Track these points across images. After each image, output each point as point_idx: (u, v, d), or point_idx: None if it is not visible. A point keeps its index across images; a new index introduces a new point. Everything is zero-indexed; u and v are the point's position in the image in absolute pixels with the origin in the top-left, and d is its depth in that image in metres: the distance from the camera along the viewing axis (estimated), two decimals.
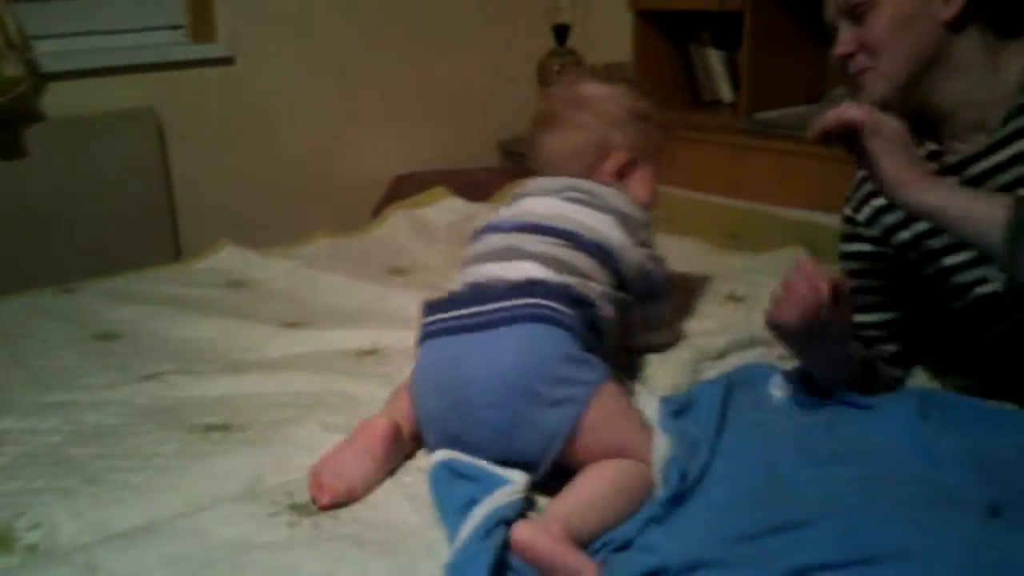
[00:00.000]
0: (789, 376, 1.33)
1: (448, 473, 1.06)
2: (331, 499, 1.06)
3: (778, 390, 1.31)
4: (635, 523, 1.04)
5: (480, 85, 3.12)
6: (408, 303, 1.70)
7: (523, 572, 0.94)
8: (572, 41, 3.00)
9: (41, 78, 2.36)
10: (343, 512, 1.04)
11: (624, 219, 1.35)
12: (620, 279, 1.32)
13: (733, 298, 1.66)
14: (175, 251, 2.61)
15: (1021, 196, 1.06)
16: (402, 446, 1.15)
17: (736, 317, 1.58)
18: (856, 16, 1.15)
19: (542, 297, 1.16)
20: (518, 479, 1.04)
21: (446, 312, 1.20)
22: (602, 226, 1.32)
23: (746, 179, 2.36)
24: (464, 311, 1.18)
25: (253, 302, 1.79)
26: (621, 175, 1.43)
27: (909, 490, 1.07)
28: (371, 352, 1.52)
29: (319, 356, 1.52)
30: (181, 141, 2.62)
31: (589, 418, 1.10)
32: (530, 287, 1.18)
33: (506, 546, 0.95)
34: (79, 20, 2.52)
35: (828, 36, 1.23)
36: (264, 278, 1.92)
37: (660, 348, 1.44)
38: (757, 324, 1.44)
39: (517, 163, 3.14)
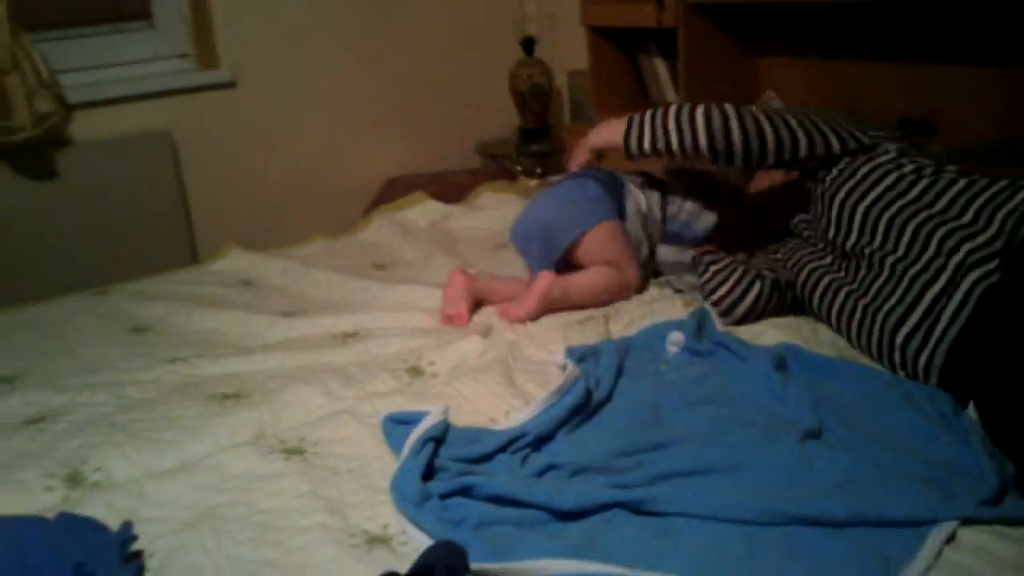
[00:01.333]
0: (684, 327, 1.65)
1: (392, 422, 1.36)
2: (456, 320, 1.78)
3: (673, 346, 1.62)
4: (550, 423, 1.35)
5: (458, 94, 3.34)
6: (384, 293, 1.99)
7: (452, 469, 1.23)
8: (538, 52, 3.22)
9: (68, 109, 2.56)
10: (322, 450, 1.34)
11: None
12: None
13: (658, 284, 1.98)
14: (191, 255, 2.83)
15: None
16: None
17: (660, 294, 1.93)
18: None
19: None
20: (436, 409, 1.35)
21: None
22: None
23: None
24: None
25: (257, 297, 2.01)
26: None
27: (753, 422, 1.37)
28: (352, 334, 1.78)
29: (310, 338, 1.76)
30: (193, 158, 2.82)
31: (587, 238, 1.83)
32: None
33: (435, 454, 1.26)
34: (96, 54, 2.71)
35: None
36: (266, 276, 2.12)
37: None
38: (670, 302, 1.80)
39: (496, 163, 3.43)
